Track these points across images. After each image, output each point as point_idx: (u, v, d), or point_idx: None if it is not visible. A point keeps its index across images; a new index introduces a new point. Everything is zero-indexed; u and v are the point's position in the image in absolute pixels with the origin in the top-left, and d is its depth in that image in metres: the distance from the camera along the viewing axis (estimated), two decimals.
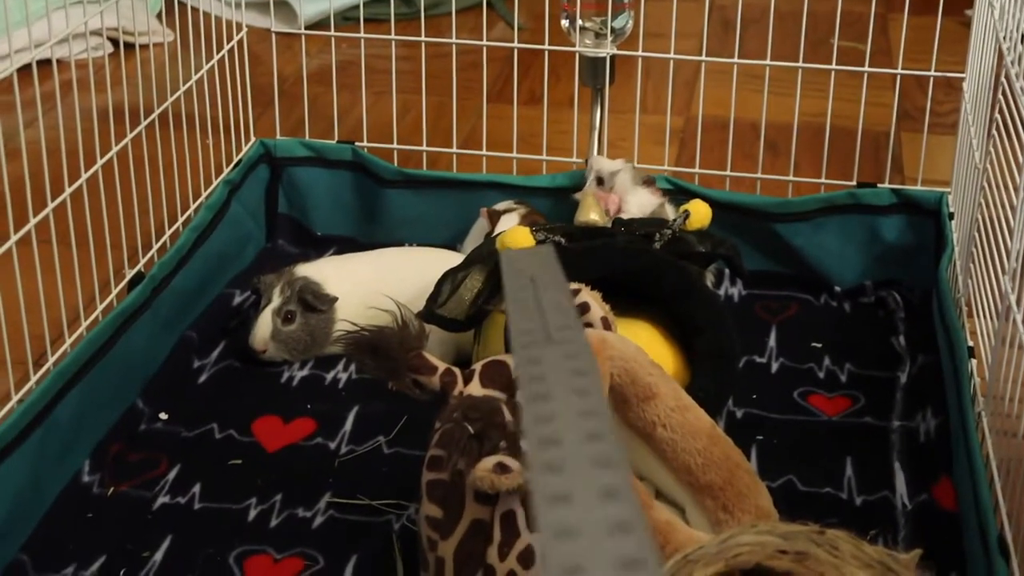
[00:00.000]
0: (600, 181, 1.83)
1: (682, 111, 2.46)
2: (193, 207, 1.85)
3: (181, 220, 1.82)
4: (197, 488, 1.47)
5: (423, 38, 1.95)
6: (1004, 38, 1.58)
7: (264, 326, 1.68)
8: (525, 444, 0.39)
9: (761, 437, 1.56)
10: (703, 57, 1.97)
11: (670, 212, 1.76)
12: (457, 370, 1.27)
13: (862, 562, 0.95)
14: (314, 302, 1.69)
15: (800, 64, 1.90)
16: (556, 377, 0.42)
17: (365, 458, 1.53)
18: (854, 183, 1.92)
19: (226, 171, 1.94)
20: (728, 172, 1.97)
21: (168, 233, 1.78)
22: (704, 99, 1.97)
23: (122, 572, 1.34)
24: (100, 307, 1.61)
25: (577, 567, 0.34)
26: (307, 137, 2.04)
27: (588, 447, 0.38)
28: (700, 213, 1.62)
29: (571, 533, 0.35)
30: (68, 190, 1.50)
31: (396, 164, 2.01)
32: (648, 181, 1.83)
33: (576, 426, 0.39)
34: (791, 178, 1.96)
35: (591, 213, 1.74)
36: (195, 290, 1.77)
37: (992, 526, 1.24)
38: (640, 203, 1.79)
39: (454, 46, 1.95)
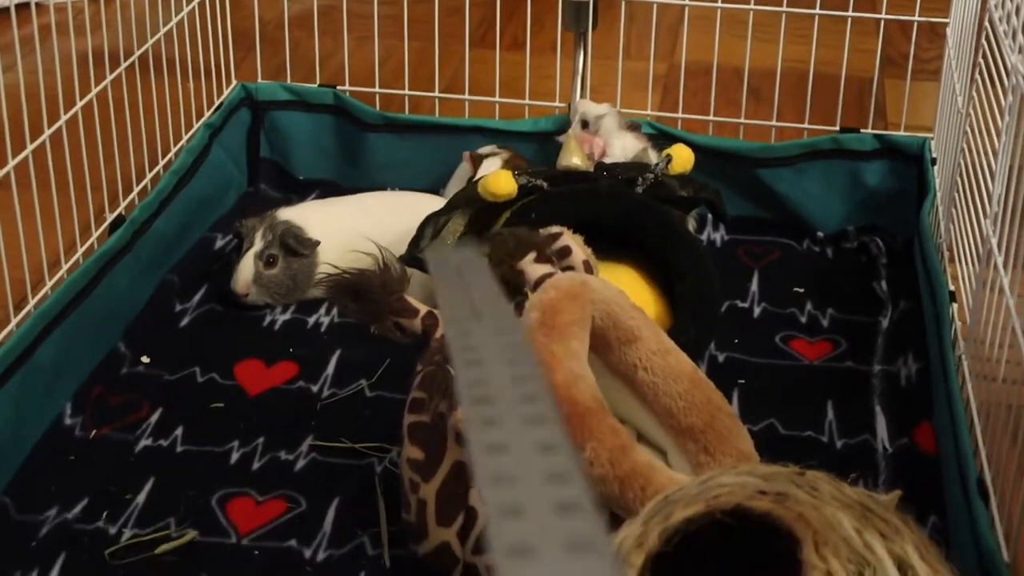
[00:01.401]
0: (585, 124, 1.83)
1: (665, 57, 2.45)
2: (174, 150, 1.84)
3: (162, 163, 1.81)
4: (179, 431, 1.47)
5: None
6: None
7: (246, 270, 1.68)
8: (460, 402, 0.41)
9: (743, 381, 1.57)
10: (687, 1, 1.96)
11: (653, 157, 1.76)
12: (439, 313, 1.27)
13: (842, 503, 0.96)
14: (296, 246, 1.68)
15: (784, 9, 1.89)
16: (487, 348, 0.43)
17: (347, 401, 1.53)
18: (837, 128, 1.92)
19: (207, 115, 1.93)
20: (711, 117, 1.96)
21: (149, 176, 1.77)
22: (688, 44, 1.96)
23: (104, 514, 1.35)
24: (81, 250, 1.60)
25: (515, 507, 0.35)
26: (289, 81, 2.03)
27: (524, 407, 0.39)
28: (683, 158, 1.62)
29: (509, 479, 0.36)
30: (47, 132, 1.49)
31: (378, 108, 2.00)
32: (633, 126, 1.83)
33: (511, 390, 0.40)
34: (774, 123, 1.96)
35: (573, 157, 1.74)
36: (176, 234, 1.76)
37: (972, 470, 1.24)
38: (624, 147, 1.78)
39: None
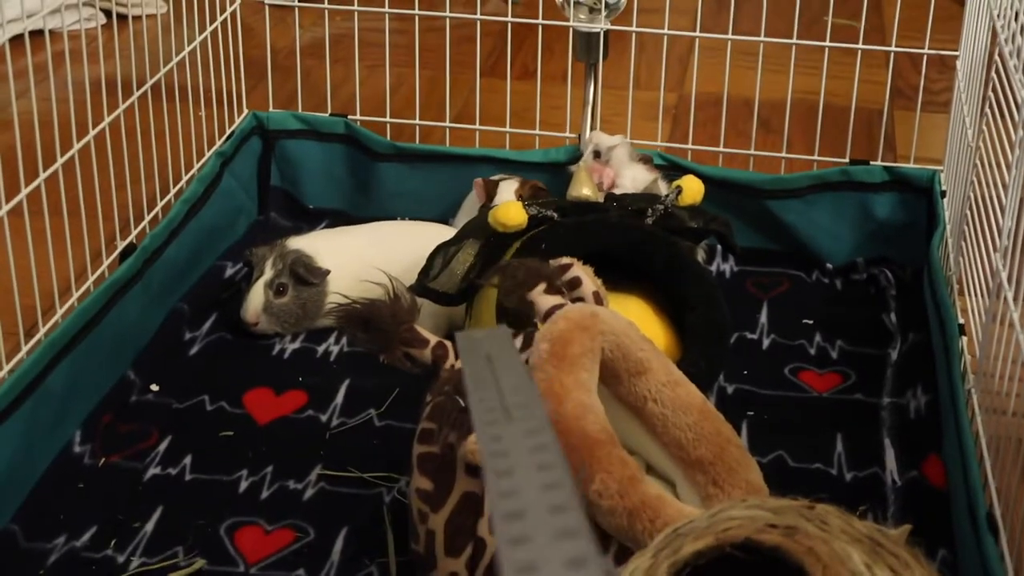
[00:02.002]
0: (597, 155, 1.83)
1: (675, 87, 2.46)
2: (185, 179, 1.85)
3: (173, 192, 1.82)
4: (188, 460, 1.47)
5: (417, 11, 1.95)
6: (998, 16, 1.58)
7: (256, 299, 1.68)
8: (492, 520, 0.41)
9: (752, 413, 1.57)
10: (697, 33, 1.97)
11: (663, 188, 1.76)
12: (448, 343, 1.27)
13: (851, 537, 0.95)
14: (306, 275, 1.68)
15: (794, 41, 1.89)
16: (518, 453, 0.43)
17: (356, 431, 1.53)
18: (847, 160, 1.92)
19: (218, 143, 1.93)
20: (721, 148, 1.97)
21: (160, 205, 1.78)
22: (698, 75, 1.97)
23: (113, 543, 1.35)
24: (92, 278, 1.60)
25: None
26: (300, 110, 2.03)
27: (553, 519, 0.39)
28: (692, 189, 1.62)
29: None
30: (60, 160, 1.49)
31: (389, 138, 2.00)
32: (645, 159, 1.83)
33: (540, 500, 0.40)
34: (784, 155, 1.96)
35: (584, 188, 1.74)
36: (187, 262, 1.76)
37: (981, 503, 1.24)
38: (634, 178, 1.79)
39: (448, 20, 1.94)
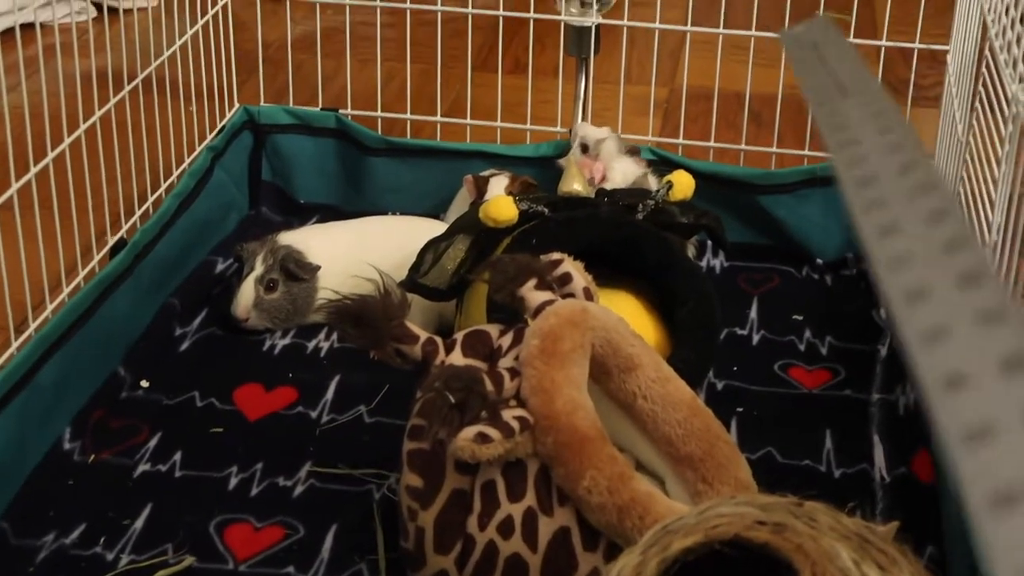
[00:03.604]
0: (585, 148, 1.83)
1: (667, 81, 2.46)
2: (176, 173, 1.85)
3: (164, 186, 1.81)
4: (178, 456, 1.47)
5: (408, 5, 1.95)
6: (988, 10, 1.58)
7: (246, 294, 1.68)
8: (844, 191, 0.39)
9: (741, 409, 1.57)
10: (688, 27, 1.97)
11: (653, 183, 1.76)
12: (439, 339, 1.27)
13: (840, 534, 0.96)
14: (296, 271, 1.68)
15: None
16: (859, 123, 0.42)
17: (346, 427, 1.53)
18: None
19: (209, 138, 1.93)
20: (712, 143, 1.97)
21: (151, 200, 1.77)
22: (689, 69, 1.97)
23: (102, 539, 1.35)
24: (82, 273, 1.60)
25: (919, 290, 0.33)
26: (291, 104, 2.03)
27: (904, 179, 0.37)
28: (683, 184, 1.62)
29: (905, 260, 0.35)
30: (51, 155, 1.49)
31: (380, 132, 2.00)
32: (633, 151, 1.83)
33: (889, 162, 0.38)
34: (775, 149, 1.96)
35: (574, 183, 1.74)
36: (177, 257, 1.76)
37: None
38: (624, 172, 1.79)
39: (439, 13, 1.94)
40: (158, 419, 1.53)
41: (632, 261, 1.53)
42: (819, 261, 1.89)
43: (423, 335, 1.27)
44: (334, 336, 1.70)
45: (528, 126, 1.99)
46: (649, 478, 1.25)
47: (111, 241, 1.65)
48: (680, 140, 1.98)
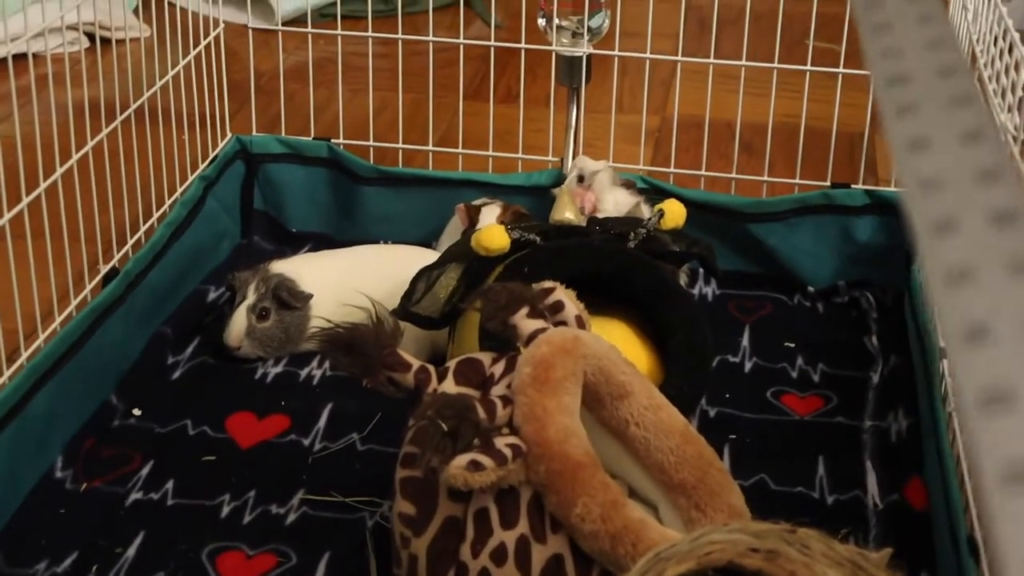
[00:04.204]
0: (580, 179, 1.84)
1: (658, 111, 2.47)
2: (168, 203, 1.85)
3: (156, 216, 1.82)
4: (170, 485, 1.47)
5: (400, 35, 1.95)
6: (977, 40, 1.59)
7: (239, 323, 1.68)
8: (873, 83, 0.37)
9: (734, 436, 1.57)
10: (679, 57, 1.97)
11: (646, 212, 1.77)
12: (431, 367, 1.27)
13: (833, 560, 0.96)
14: (289, 299, 1.69)
15: (775, 65, 1.90)
16: (899, 19, 0.40)
17: (339, 455, 1.53)
18: (828, 184, 1.93)
19: (202, 167, 1.94)
20: (703, 172, 1.97)
21: (143, 229, 1.78)
22: (680, 99, 1.98)
23: (94, 568, 1.34)
24: (74, 302, 1.60)
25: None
26: (283, 134, 2.04)
27: (943, 84, 0.36)
28: (675, 213, 1.62)
29: (923, 145, 0.34)
30: (43, 184, 1.49)
31: (372, 161, 2.01)
32: (627, 183, 1.84)
33: (926, 61, 0.37)
34: (765, 178, 1.97)
35: (566, 212, 1.75)
36: (170, 286, 1.76)
37: (962, 526, 1.25)
38: (616, 201, 1.79)
39: (431, 44, 1.95)
40: (150, 447, 1.53)
41: (624, 289, 1.54)
42: (810, 289, 1.90)
43: (415, 363, 1.27)
44: (326, 364, 1.70)
45: (520, 155, 2.00)
46: (642, 505, 1.25)
47: (103, 270, 1.65)
48: (671, 169, 1.98)
